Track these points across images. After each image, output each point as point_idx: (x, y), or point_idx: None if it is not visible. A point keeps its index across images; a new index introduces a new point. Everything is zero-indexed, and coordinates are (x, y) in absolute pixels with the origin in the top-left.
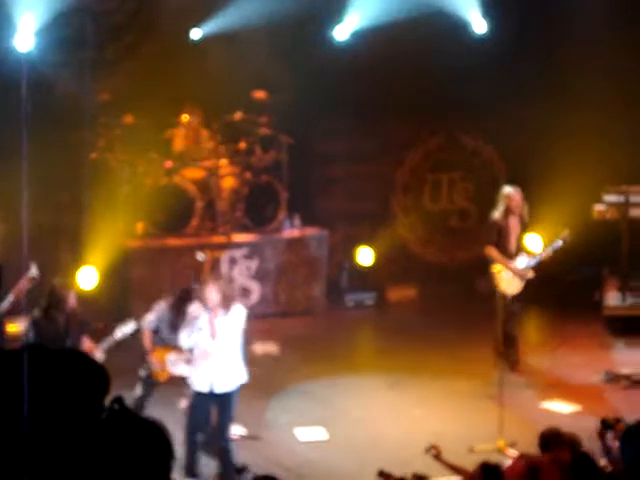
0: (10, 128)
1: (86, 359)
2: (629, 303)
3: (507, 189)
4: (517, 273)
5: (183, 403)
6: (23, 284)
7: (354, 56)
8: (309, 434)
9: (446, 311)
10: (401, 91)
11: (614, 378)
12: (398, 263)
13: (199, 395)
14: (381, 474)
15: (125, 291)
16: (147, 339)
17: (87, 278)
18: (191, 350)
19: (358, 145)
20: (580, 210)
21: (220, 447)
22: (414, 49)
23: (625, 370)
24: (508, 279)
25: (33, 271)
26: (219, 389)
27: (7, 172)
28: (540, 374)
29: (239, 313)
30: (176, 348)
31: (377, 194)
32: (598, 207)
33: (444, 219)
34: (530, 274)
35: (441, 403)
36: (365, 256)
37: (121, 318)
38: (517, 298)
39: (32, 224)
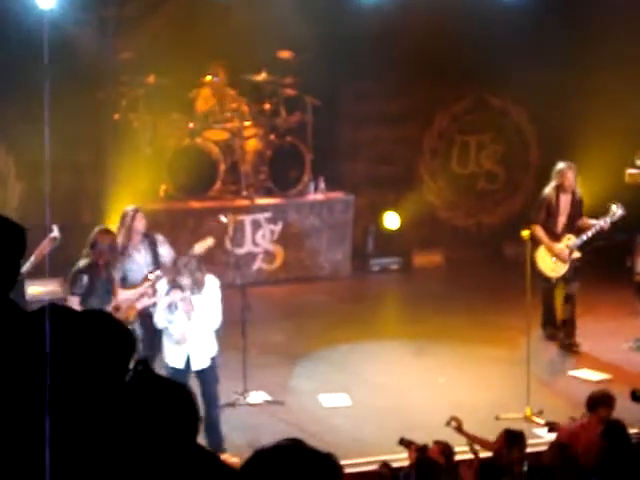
0: (31, 87)
1: (111, 320)
2: None
3: (560, 165)
4: (560, 255)
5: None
6: (45, 246)
7: (382, 17)
8: (333, 400)
9: (473, 276)
10: (429, 53)
11: None
12: (424, 228)
13: (175, 370)
14: (402, 441)
15: None
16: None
17: None
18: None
19: (385, 107)
20: (612, 174)
21: (212, 421)
22: (442, 11)
23: None
24: (550, 261)
25: (55, 232)
26: (196, 366)
27: (27, 132)
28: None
29: (212, 286)
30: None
31: (404, 157)
32: (630, 171)
33: (472, 182)
34: (575, 254)
35: (467, 370)
36: (391, 220)
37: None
38: (571, 278)
39: (53, 185)
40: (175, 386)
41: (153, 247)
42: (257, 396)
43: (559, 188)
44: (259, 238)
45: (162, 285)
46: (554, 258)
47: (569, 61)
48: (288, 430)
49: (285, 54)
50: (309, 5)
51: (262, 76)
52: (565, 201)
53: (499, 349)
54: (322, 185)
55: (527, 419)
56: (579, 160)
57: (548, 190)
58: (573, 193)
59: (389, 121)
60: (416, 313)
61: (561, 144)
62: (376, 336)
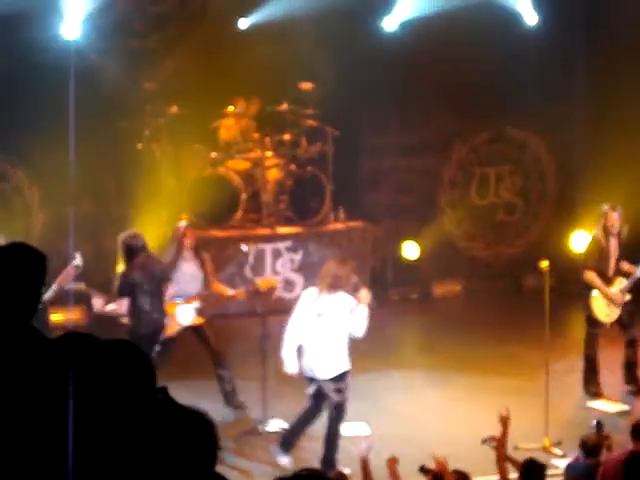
0: (57, 117)
1: (132, 348)
2: None
3: (604, 207)
4: (615, 300)
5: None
6: (68, 273)
7: (402, 47)
8: (352, 429)
9: (492, 307)
10: (449, 83)
11: None
12: (444, 258)
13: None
14: (422, 469)
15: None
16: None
17: None
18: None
19: (405, 138)
20: (631, 205)
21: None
22: (463, 41)
23: None
24: (604, 306)
25: (77, 260)
26: (321, 375)
27: (52, 161)
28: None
29: (345, 300)
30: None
31: (423, 188)
32: None
33: (491, 214)
34: (626, 297)
35: (485, 401)
36: (410, 250)
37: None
38: (629, 322)
39: (77, 213)
40: (195, 415)
41: (201, 262)
42: (276, 424)
43: (605, 231)
44: (279, 267)
45: (310, 295)
46: (608, 303)
47: (589, 93)
48: (306, 458)
49: (306, 85)
50: (330, 37)
51: (284, 107)
52: (614, 244)
53: (518, 380)
54: (342, 215)
55: (545, 449)
56: (600, 190)
57: (596, 233)
58: (619, 235)
59: (409, 151)
60: (435, 343)
61: (579, 176)
62: (395, 366)
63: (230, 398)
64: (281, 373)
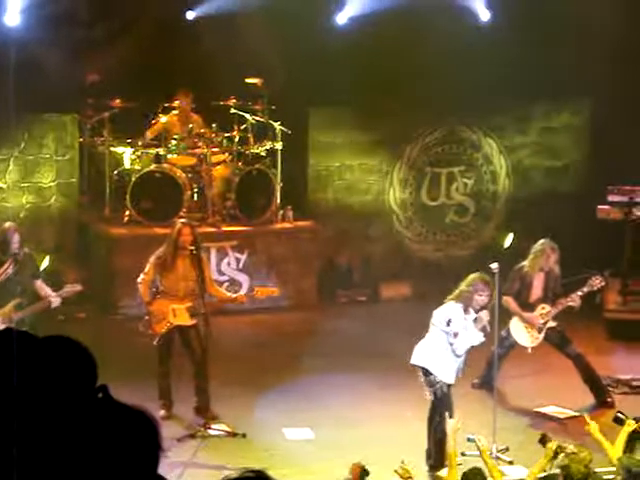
0: None
1: (72, 344)
2: (630, 306)
3: (542, 244)
4: (533, 323)
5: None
6: (5, 269)
7: (354, 43)
8: (296, 433)
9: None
10: (402, 82)
11: (613, 384)
12: (393, 259)
13: (448, 387)
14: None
15: (109, 280)
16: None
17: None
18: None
19: (355, 136)
20: (584, 211)
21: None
22: (415, 37)
23: (625, 376)
24: (522, 330)
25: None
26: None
27: None
28: (535, 378)
29: None
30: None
31: (374, 187)
32: (601, 207)
33: (441, 215)
34: (549, 323)
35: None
36: (360, 251)
37: (104, 307)
38: (563, 343)
39: (15, 206)
40: (136, 414)
41: (198, 262)
42: (219, 427)
43: (535, 265)
44: (224, 266)
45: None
46: (526, 326)
47: (544, 92)
48: (250, 463)
49: (254, 80)
50: (280, 31)
51: (231, 102)
52: (541, 277)
53: (466, 384)
54: (290, 214)
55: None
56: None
57: (524, 264)
58: (549, 272)
59: (359, 150)
60: (383, 345)
61: (530, 176)
62: (342, 368)
63: (202, 409)
64: (225, 375)
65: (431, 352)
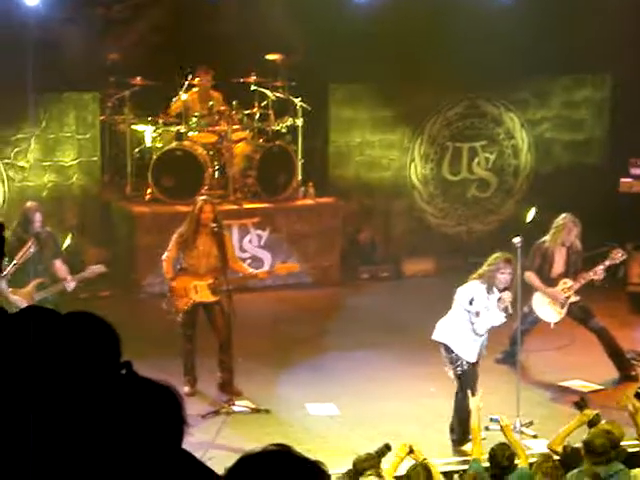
0: (16, 85)
1: (95, 320)
2: None
3: (564, 218)
4: (556, 298)
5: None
6: (27, 249)
7: (375, 20)
8: (320, 409)
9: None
10: (422, 58)
11: (637, 357)
12: (415, 235)
13: (470, 365)
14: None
15: (132, 258)
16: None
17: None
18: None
19: (376, 112)
20: (606, 184)
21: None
22: (437, 13)
23: None
24: (545, 304)
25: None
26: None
27: (10, 133)
28: (559, 352)
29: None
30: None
31: (395, 163)
32: (624, 180)
33: (463, 190)
34: (572, 297)
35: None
36: (382, 227)
37: (127, 286)
38: (586, 317)
39: (36, 185)
40: (161, 389)
41: (219, 239)
42: (242, 404)
43: (557, 239)
44: (246, 244)
45: (482, 294)
46: (550, 301)
47: (561, 66)
48: (274, 438)
49: (274, 56)
50: (299, 7)
51: (251, 79)
52: (562, 251)
53: (489, 359)
54: (311, 190)
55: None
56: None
57: (545, 238)
58: (571, 246)
59: (380, 126)
60: (406, 321)
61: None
62: (365, 344)
63: (226, 385)
64: (248, 351)
65: (453, 329)
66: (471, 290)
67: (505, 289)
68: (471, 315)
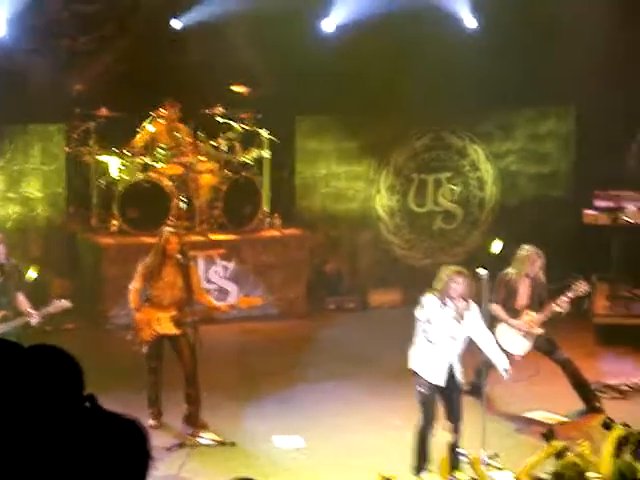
0: None
1: (58, 354)
2: (618, 311)
3: (527, 249)
4: (521, 330)
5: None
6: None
7: (340, 50)
8: (286, 441)
9: None
10: (388, 88)
11: (602, 389)
12: (381, 266)
13: (436, 389)
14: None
15: (97, 290)
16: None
17: None
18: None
19: (342, 144)
20: (571, 216)
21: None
22: (402, 44)
23: (614, 381)
24: (510, 337)
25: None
26: (457, 377)
27: None
28: (524, 384)
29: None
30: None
31: (361, 194)
32: (587, 212)
33: (429, 221)
34: (537, 330)
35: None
36: (348, 258)
37: (93, 318)
38: (551, 349)
39: (2, 218)
40: (126, 423)
41: (185, 270)
42: (208, 436)
43: (520, 271)
44: (212, 275)
45: (433, 302)
46: (514, 332)
47: (526, 99)
48: (239, 472)
49: (240, 88)
50: (266, 39)
51: (217, 110)
52: (526, 282)
53: None
54: (277, 221)
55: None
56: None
57: (509, 270)
58: (535, 278)
59: (346, 157)
60: (373, 352)
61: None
62: (331, 376)
63: (192, 418)
64: (214, 384)
65: (415, 350)
66: (423, 301)
67: (460, 298)
68: (423, 324)
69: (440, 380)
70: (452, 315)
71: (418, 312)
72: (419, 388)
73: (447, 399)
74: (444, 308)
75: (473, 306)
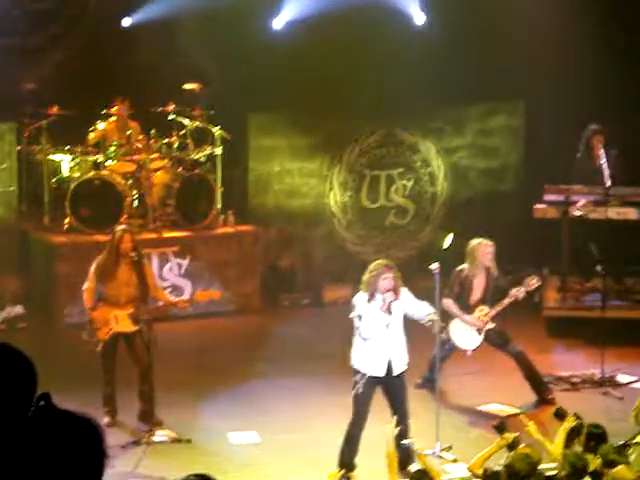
0: None
1: (10, 352)
2: (569, 304)
3: (477, 241)
4: (474, 325)
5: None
6: None
7: (291, 47)
8: (241, 437)
9: None
10: (339, 84)
11: (554, 381)
12: (335, 262)
13: (374, 379)
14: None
15: (50, 289)
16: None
17: None
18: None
19: (295, 140)
20: (521, 210)
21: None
22: (352, 41)
23: (565, 373)
24: (463, 332)
25: None
26: (397, 370)
27: None
28: (477, 377)
29: (406, 296)
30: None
31: (314, 191)
32: (538, 206)
33: (381, 217)
34: (488, 325)
35: (376, 407)
36: (302, 254)
37: (46, 317)
38: (503, 342)
39: None
40: (81, 421)
41: (139, 268)
42: (163, 434)
43: (473, 263)
44: (166, 272)
45: (362, 299)
46: (468, 329)
47: (476, 94)
48: (196, 468)
49: (192, 85)
50: (216, 36)
51: (169, 108)
52: (480, 277)
53: (409, 385)
54: (231, 218)
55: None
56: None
57: (463, 266)
58: (488, 270)
59: (299, 154)
60: (327, 348)
61: (468, 177)
62: (286, 372)
63: (146, 415)
64: (168, 381)
65: (354, 350)
66: (354, 299)
67: (388, 292)
68: (355, 320)
69: (379, 372)
70: (381, 306)
71: (351, 313)
72: (356, 384)
73: (388, 392)
74: (372, 302)
75: (403, 292)
